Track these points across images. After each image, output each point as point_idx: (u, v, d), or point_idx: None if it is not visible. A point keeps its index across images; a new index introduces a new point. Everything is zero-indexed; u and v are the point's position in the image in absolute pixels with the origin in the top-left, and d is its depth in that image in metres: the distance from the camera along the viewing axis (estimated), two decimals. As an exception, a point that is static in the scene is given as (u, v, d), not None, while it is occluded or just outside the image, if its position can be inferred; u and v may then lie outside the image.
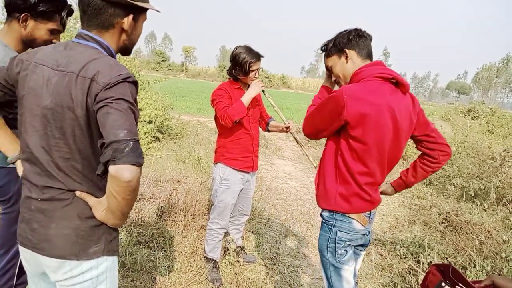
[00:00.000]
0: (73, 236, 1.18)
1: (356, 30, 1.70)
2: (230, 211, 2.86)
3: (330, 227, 1.72)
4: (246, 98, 2.57)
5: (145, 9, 1.26)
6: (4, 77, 1.25)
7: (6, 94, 1.28)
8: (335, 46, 1.73)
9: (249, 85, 2.75)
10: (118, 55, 1.32)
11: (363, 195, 1.68)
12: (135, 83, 1.16)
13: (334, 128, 1.65)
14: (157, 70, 46.64)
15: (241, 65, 2.60)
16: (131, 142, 1.04)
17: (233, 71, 2.68)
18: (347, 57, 1.70)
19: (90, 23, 1.19)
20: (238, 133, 2.70)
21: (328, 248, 1.72)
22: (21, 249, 1.28)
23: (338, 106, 1.56)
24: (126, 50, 1.32)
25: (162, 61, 51.48)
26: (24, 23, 1.66)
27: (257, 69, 2.66)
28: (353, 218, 1.69)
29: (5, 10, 1.70)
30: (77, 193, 1.18)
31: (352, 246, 1.72)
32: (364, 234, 1.76)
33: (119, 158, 1.02)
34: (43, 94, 1.14)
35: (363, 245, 1.80)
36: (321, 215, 1.80)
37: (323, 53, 1.84)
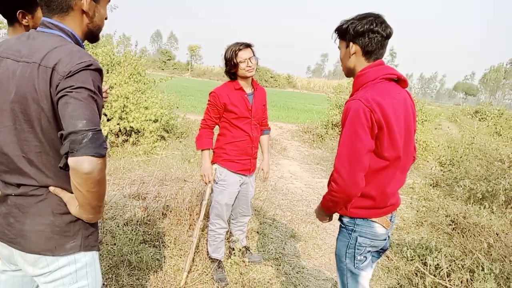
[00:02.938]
0: (47, 232, 1.17)
1: (372, 21, 1.53)
2: (229, 212, 2.83)
3: (350, 232, 1.66)
4: (204, 159, 2.68)
5: None
6: None
7: None
8: (345, 33, 1.60)
9: (254, 88, 2.71)
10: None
11: (382, 202, 1.63)
12: (98, 70, 1.12)
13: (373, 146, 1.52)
14: (162, 69, 46.83)
15: (229, 58, 2.55)
16: (90, 133, 1.02)
17: (226, 68, 2.62)
18: (350, 51, 1.60)
19: (50, 9, 1.16)
20: (237, 135, 2.66)
21: (347, 254, 1.66)
22: None
23: (366, 118, 1.46)
24: (92, 35, 1.27)
25: (168, 60, 51.69)
26: (24, 20, 1.66)
27: (248, 58, 2.54)
28: (375, 222, 1.63)
29: (4, 19, 1.69)
30: (51, 188, 1.17)
31: (371, 252, 1.68)
32: (385, 239, 1.70)
33: (77, 149, 1.00)
34: (9, 87, 1.10)
35: (382, 250, 1.75)
36: (339, 219, 1.74)
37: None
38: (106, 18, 1.30)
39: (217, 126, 2.79)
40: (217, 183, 2.73)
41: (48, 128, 1.11)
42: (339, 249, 1.71)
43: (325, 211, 1.71)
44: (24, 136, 1.12)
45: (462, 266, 2.98)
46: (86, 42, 1.31)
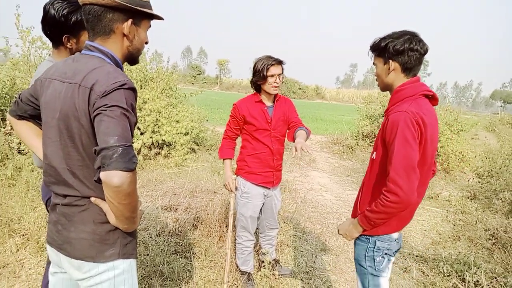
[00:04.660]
0: (89, 240, 1.26)
1: (411, 40, 1.59)
2: (254, 225, 2.83)
3: (368, 237, 1.73)
4: (226, 168, 2.76)
5: (145, 14, 1.30)
6: (30, 93, 1.36)
7: (35, 108, 1.38)
8: (384, 51, 1.65)
9: (275, 99, 2.70)
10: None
11: (407, 215, 1.72)
12: (132, 89, 1.20)
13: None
14: (192, 83, 48.01)
15: (259, 70, 2.56)
16: (120, 148, 1.08)
17: (253, 78, 2.64)
18: (389, 68, 1.65)
19: (94, 32, 1.25)
20: (258, 148, 2.68)
21: (367, 257, 1.74)
22: (48, 248, 1.38)
23: (415, 128, 1.52)
24: (132, 57, 1.36)
25: (198, 74, 52.99)
26: (69, 43, 1.79)
27: (278, 75, 2.55)
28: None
29: (49, 41, 1.83)
30: (92, 199, 1.25)
31: (388, 254, 1.74)
32: (398, 241, 1.77)
33: (108, 164, 1.07)
34: (56, 106, 1.22)
35: (396, 251, 1.81)
36: None
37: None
38: (147, 43, 1.37)
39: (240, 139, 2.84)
40: (241, 195, 2.75)
41: (88, 143, 1.20)
42: (358, 254, 1.78)
43: (365, 227, 1.69)
44: (67, 150, 1.23)
45: (505, 284, 2.82)
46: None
